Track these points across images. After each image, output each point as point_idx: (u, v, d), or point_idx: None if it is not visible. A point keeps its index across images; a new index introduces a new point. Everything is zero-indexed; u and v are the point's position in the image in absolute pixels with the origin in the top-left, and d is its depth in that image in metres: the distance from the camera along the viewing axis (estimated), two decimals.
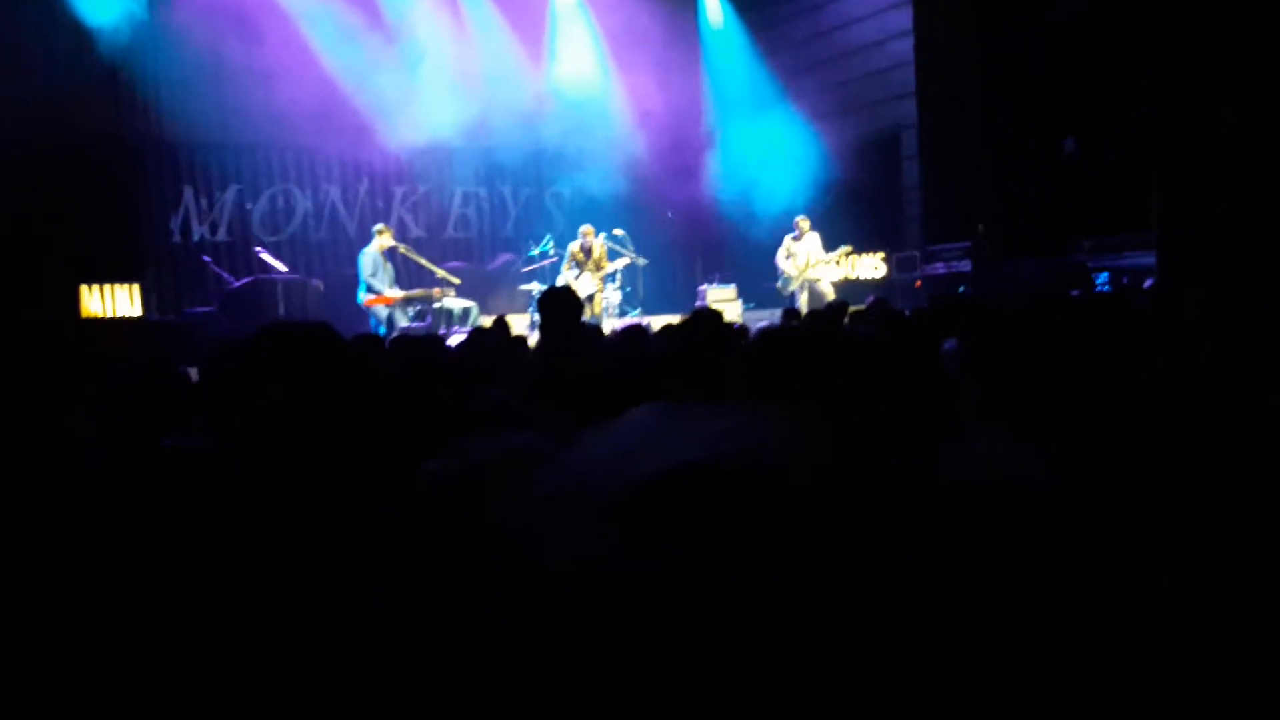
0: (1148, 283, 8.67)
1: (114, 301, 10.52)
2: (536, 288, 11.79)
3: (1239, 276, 7.95)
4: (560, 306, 4.42)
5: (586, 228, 11.57)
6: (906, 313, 5.41)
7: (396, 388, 2.52)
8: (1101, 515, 1.23)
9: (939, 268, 11.85)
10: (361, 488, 1.48)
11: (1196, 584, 1.27)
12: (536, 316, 10.93)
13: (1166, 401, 2.19)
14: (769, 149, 14.12)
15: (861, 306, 6.69)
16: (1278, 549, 1.36)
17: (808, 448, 0.87)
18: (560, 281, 11.34)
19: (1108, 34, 10.57)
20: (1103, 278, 9.91)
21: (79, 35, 11.17)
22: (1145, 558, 1.14)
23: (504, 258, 14.18)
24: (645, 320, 10.87)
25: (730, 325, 5.17)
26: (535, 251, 12.62)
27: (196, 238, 12.58)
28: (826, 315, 6.15)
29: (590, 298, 11.18)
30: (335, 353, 1.79)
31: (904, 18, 12.88)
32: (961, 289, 11.07)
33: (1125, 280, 9.27)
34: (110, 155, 11.65)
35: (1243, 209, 8.61)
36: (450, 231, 14.55)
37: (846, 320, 5.75)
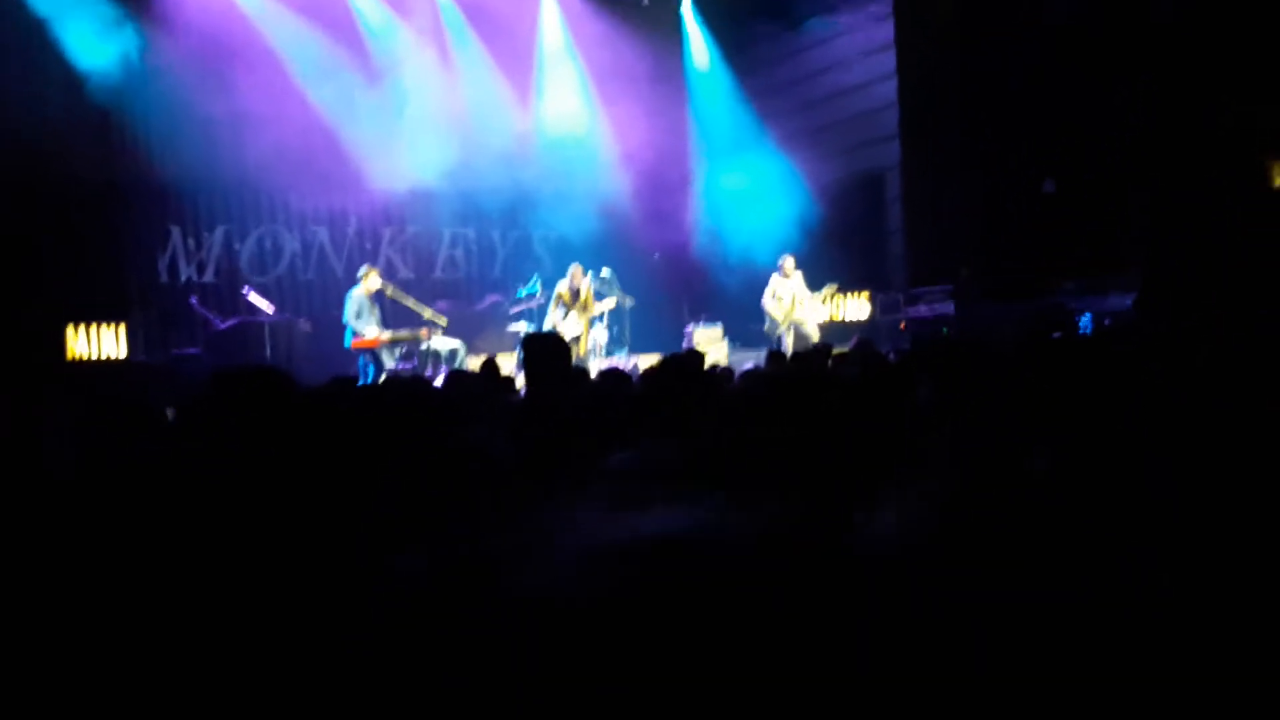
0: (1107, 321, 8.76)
1: (100, 342, 10.50)
2: (524, 328, 11.80)
3: (1221, 287, 8.03)
4: (545, 350, 4.43)
5: (575, 268, 11.61)
6: (891, 355, 5.44)
7: (356, 429, 2.53)
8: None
9: (922, 309, 11.92)
10: (315, 533, 1.49)
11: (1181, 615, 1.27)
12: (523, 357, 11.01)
13: (1150, 435, 2.21)
14: (755, 190, 14.24)
15: (845, 348, 6.72)
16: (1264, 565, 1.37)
17: (747, 529, 0.92)
18: (547, 322, 11.35)
19: (1090, 78, 10.73)
20: (1085, 319, 9.99)
21: (69, 78, 11.22)
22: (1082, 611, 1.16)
23: (491, 298, 14.20)
24: (633, 360, 10.90)
25: (713, 367, 5.19)
26: (523, 292, 12.65)
27: (184, 278, 12.56)
28: (810, 357, 6.18)
29: (576, 339, 11.19)
30: (284, 397, 1.81)
31: (888, 61, 13.06)
32: (945, 330, 11.13)
33: (1107, 322, 9.34)
34: (98, 196, 11.67)
35: (1226, 220, 8.71)
36: (438, 272, 14.59)
37: (830, 362, 5.78)
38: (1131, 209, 10.07)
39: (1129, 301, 9.58)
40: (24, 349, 9.45)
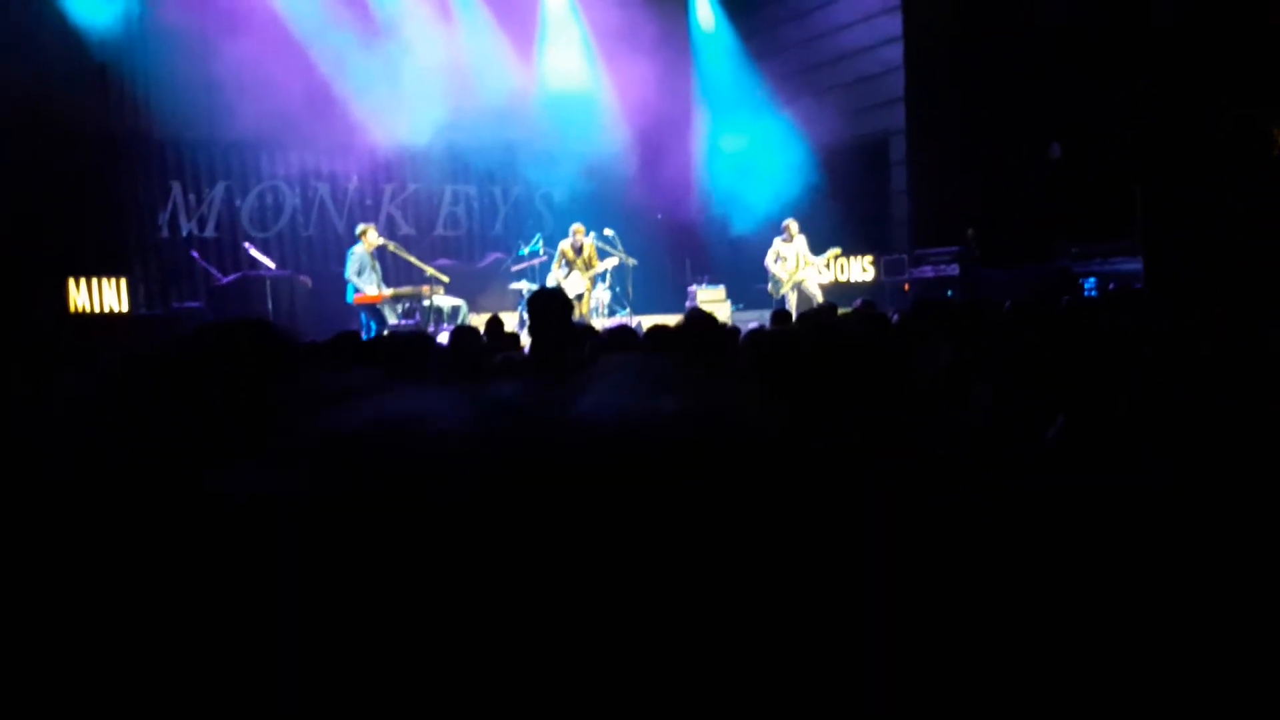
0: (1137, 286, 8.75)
1: (101, 296, 10.49)
2: (526, 286, 11.79)
3: (1224, 281, 8.02)
4: (550, 306, 4.42)
5: (578, 226, 11.60)
6: (894, 317, 5.44)
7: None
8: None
9: (927, 271, 11.90)
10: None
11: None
12: (525, 315, 11.00)
13: (1152, 403, 2.21)
14: (758, 152, 14.17)
15: (849, 309, 6.72)
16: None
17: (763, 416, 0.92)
18: (550, 280, 11.35)
19: (1096, 41, 10.64)
20: (1089, 283, 9.98)
21: (68, 33, 11.15)
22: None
23: (493, 256, 14.18)
24: (634, 320, 10.89)
25: (724, 326, 5.19)
26: (525, 250, 12.61)
27: (185, 233, 12.54)
28: (815, 317, 6.17)
29: (579, 296, 11.19)
30: (272, 350, 1.80)
31: (894, 24, 12.94)
32: (949, 293, 11.12)
33: (1112, 286, 9.34)
34: (99, 151, 11.62)
35: (1228, 214, 8.68)
36: (440, 230, 14.55)
37: (834, 321, 5.77)
38: (1137, 173, 10.02)
39: (1133, 265, 9.57)
40: (26, 301, 9.45)
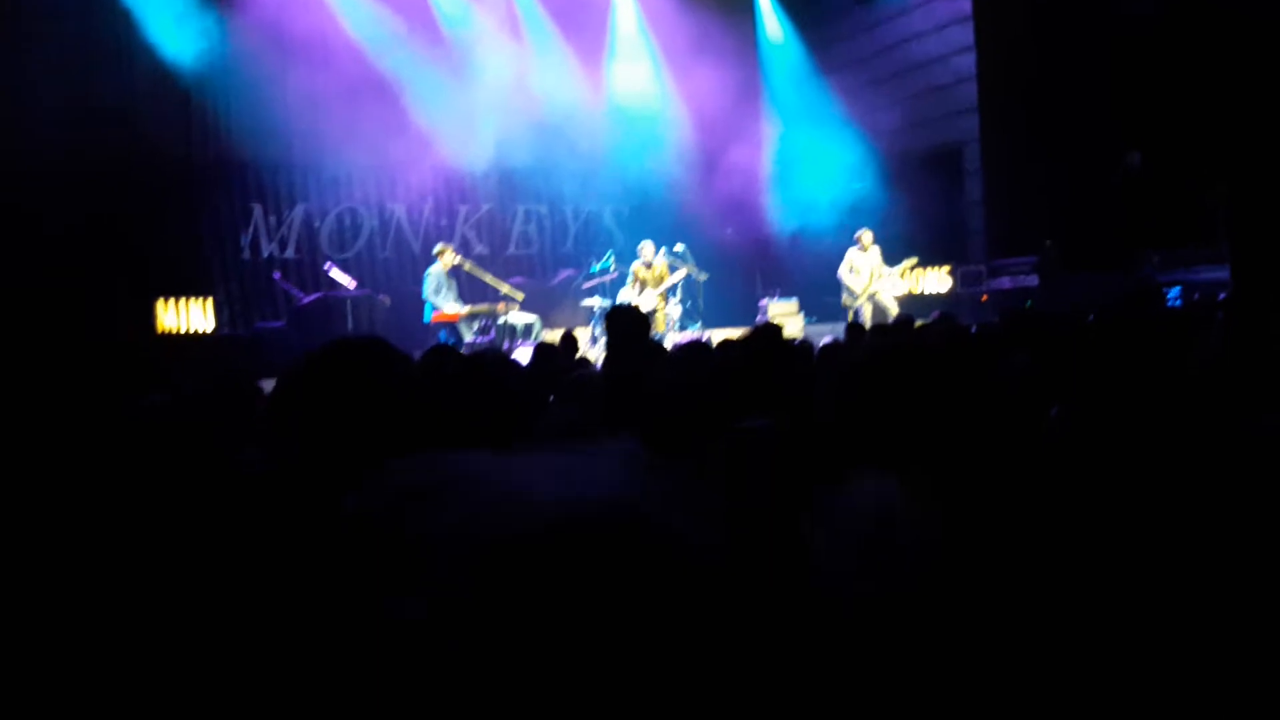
0: (1221, 296, 8.48)
1: (188, 316, 10.80)
2: (598, 303, 11.85)
3: None
4: (626, 324, 4.44)
5: (645, 244, 11.61)
6: (973, 328, 5.35)
7: (455, 404, 2.56)
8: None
9: (1004, 282, 11.70)
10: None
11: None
12: (598, 331, 11.06)
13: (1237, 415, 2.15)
14: (829, 164, 14.08)
15: (926, 321, 6.63)
16: None
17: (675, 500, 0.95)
18: (622, 298, 11.38)
19: (1172, 44, 10.39)
20: (1174, 292, 9.72)
21: (155, 62, 11.53)
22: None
23: (565, 273, 14.29)
24: (705, 334, 10.88)
25: (790, 340, 5.16)
26: (596, 267, 12.69)
27: (266, 254, 12.86)
28: (892, 330, 6.10)
29: (653, 313, 11.21)
30: (389, 368, 1.83)
31: (966, 33, 12.79)
32: (1028, 303, 10.92)
33: (1196, 296, 9.07)
34: (183, 175, 12.01)
35: None
36: (512, 249, 14.71)
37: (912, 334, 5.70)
38: (1219, 179, 9.74)
39: (1219, 274, 9.30)
40: (116, 322, 9.76)
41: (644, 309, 11.10)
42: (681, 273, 11.69)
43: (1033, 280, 11.25)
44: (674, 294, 11.84)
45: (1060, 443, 2.52)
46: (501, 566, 0.91)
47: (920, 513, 1.27)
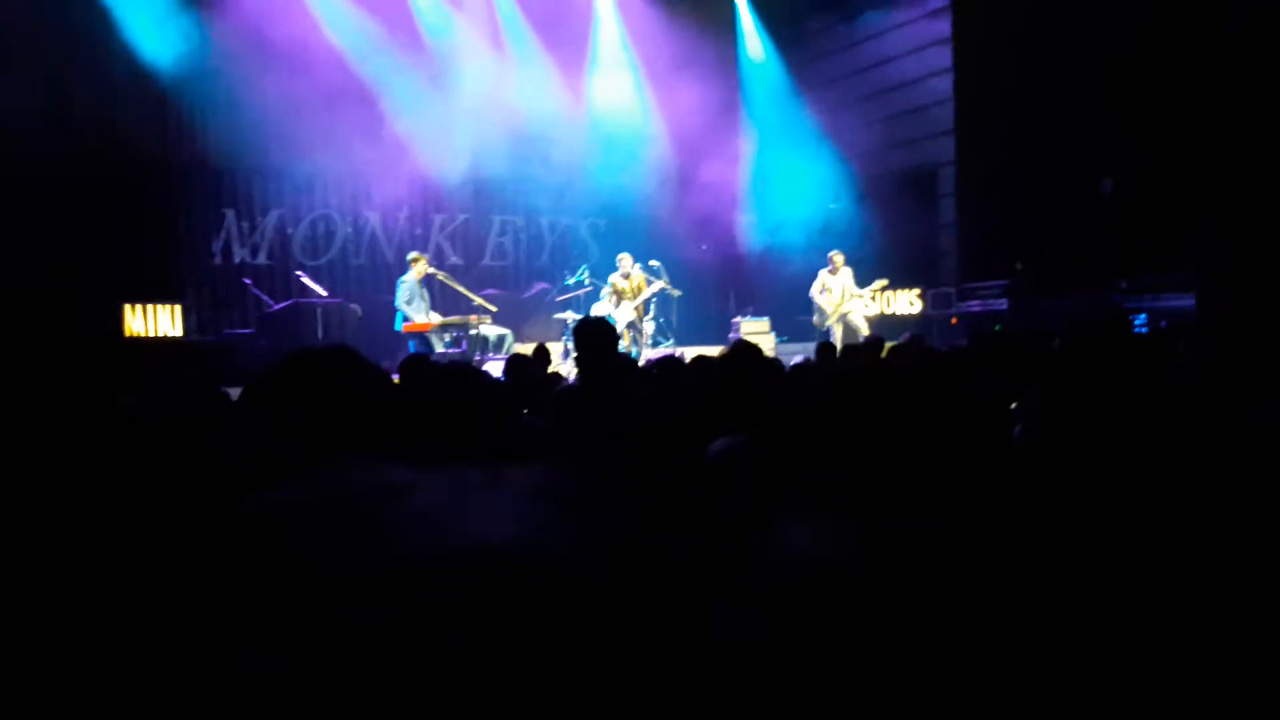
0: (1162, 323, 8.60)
1: (155, 321, 10.69)
2: (571, 316, 11.84)
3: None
4: (596, 337, 4.44)
5: (624, 256, 11.63)
6: (943, 349, 5.39)
7: (426, 413, 2.55)
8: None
9: (975, 305, 11.80)
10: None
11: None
12: (570, 345, 11.05)
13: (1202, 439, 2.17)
14: (805, 183, 14.17)
15: (897, 342, 6.67)
16: None
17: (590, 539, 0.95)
18: (597, 311, 11.38)
19: (1148, 73, 10.55)
20: (1140, 319, 9.83)
21: (131, 64, 11.44)
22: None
23: (539, 286, 14.28)
24: (679, 351, 10.89)
25: (768, 358, 5.17)
26: (570, 281, 12.70)
27: (237, 260, 12.76)
28: (863, 350, 6.14)
29: (631, 325, 11.24)
30: (357, 377, 1.82)
31: (944, 55, 12.93)
32: (997, 327, 11.01)
33: (1164, 323, 9.18)
34: (155, 179, 11.92)
35: None
36: (487, 260, 14.69)
37: (883, 355, 5.74)
38: (1191, 206, 9.87)
39: (1185, 301, 9.41)
40: (84, 326, 9.65)
41: (622, 321, 11.12)
42: (658, 285, 11.70)
43: (1002, 304, 11.35)
44: (648, 310, 11.86)
45: (1028, 460, 2.55)
46: (369, 607, 0.91)
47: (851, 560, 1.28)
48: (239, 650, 0.91)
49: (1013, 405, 3.09)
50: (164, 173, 12.02)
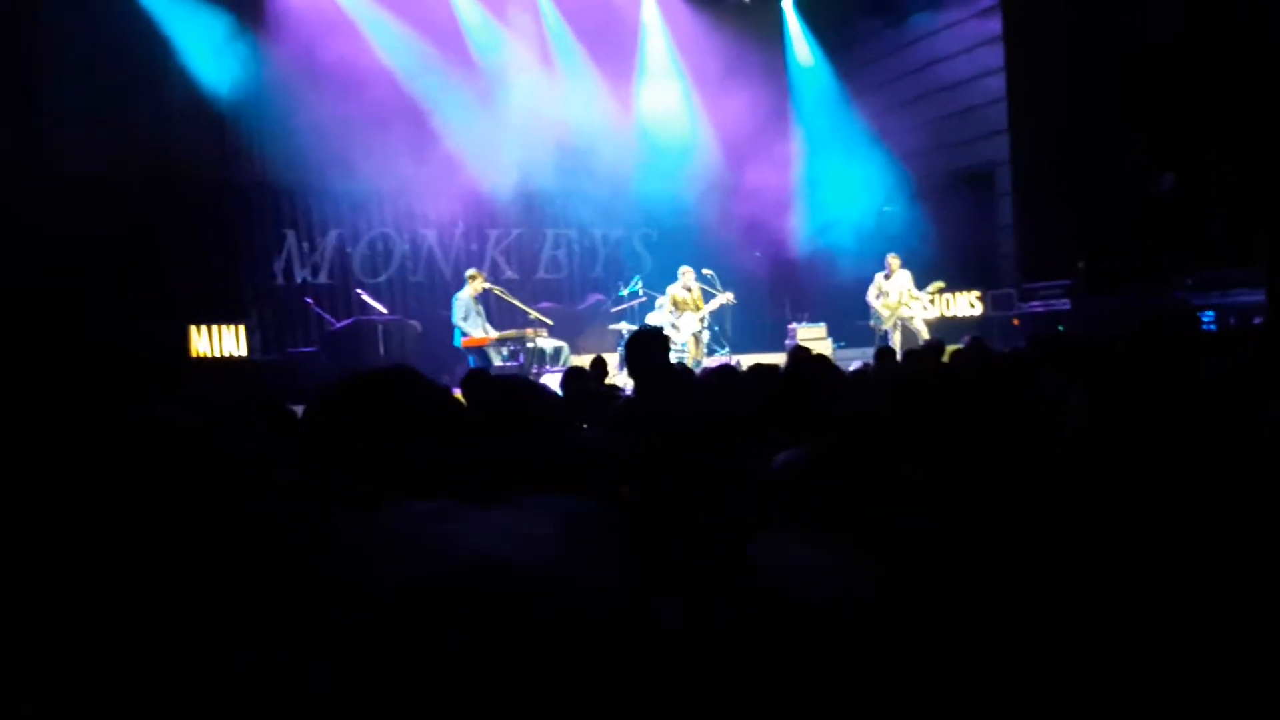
0: (1257, 320, 8.37)
1: (220, 341, 10.92)
2: (626, 327, 11.87)
3: None
4: (648, 346, 4.43)
5: (686, 269, 11.63)
6: (1005, 351, 5.32)
7: (483, 427, 2.57)
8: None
9: (1036, 305, 11.61)
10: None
11: None
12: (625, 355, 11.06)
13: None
14: (858, 187, 14.06)
15: (959, 345, 6.59)
16: None
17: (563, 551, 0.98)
18: (651, 321, 11.36)
19: (1203, 62, 10.32)
20: (1208, 316, 9.60)
21: (191, 89, 11.73)
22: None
23: (593, 298, 14.34)
24: (734, 359, 10.86)
25: (830, 363, 5.14)
26: (624, 292, 12.73)
27: (299, 280, 13.00)
28: (923, 355, 6.08)
29: (696, 335, 11.25)
30: (417, 395, 1.85)
31: (995, 55, 12.76)
32: (1060, 327, 10.83)
33: (1233, 320, 8.95)
34: (218, 201, 12.21)
35: None
36: (541, 273, 14.78)
37: (945, 359, 5.68)
38: (1257, 198, 9.63)
39: (1255, 297, 9.18)
40: (151, 347, 9.87)
41: (686, 333, 11.13)
42: (721, 299, 11.61)
43: (1065, 304, 11.16)
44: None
45: (1086, 453, 2.50)
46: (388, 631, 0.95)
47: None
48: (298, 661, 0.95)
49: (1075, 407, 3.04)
50: (225, 196, 12.30)
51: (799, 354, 3.72)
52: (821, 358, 3.71)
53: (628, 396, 4.61)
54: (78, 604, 1.17)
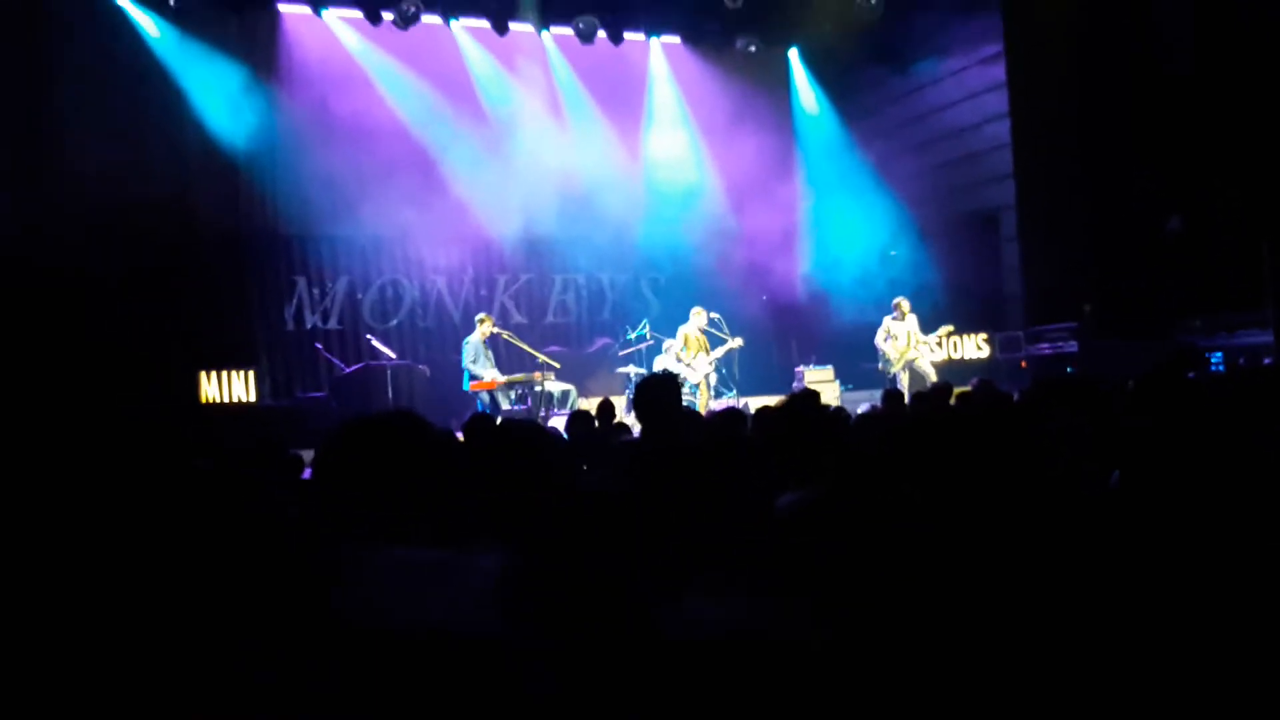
0: (1266, 361, 8.36)
1: (230, 387, 10.95)
2: (634, 370, 11.88)
3: None
4: (659, 390, 4.45)
5: (699, 310, 11.64)
6: (1015, 395, 5.32)
7: (487, 470, 2.58)
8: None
9: (1044, 348, 11.61)
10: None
11: None
12: (632, 398, 11.06)
13: None
14: (865, 232, 14.12)
15: (966, 388, 6.59)
16: None
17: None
18: (675, 365, 11.31)
19: (1210, 105, 10.38)
20: (1216, 357, 9.58)
21: (205, 138, 11.88)
22: None
23: (601, 342, 14.37)
24: (741, 402, 10.86)
25: (827, 407, 5.15)
26: (632, 335, 12.77)
27: (309, 325, 13.07)
28: (931, 397, 6.08)
29: (706, 378, 11.27)
30: (418, 440, 1.87)
31: (1000, 101, 12.87)
32: (1069, 369, 10.81)
33: (1241, 361, 8.94)
34: (230, 248, 12.32)
35: None
36: (550, 317, 14.83)
37: (952, 402, 5.67)
38: (1264, 239, 9.64)
39: (1263, 338, 9.16)
40: (159, 393, 9.92)
41: (699, 375, 11.14)
42: (731, 344, 11.61)
43: (1073, 346, 11.15)
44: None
45: (1113, 506, 2.50)
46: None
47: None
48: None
49: (1084, 449, 3.04)
50: (237, 242, 12.42)
51: (796, 397, 3.74)
52: (811, 393, 3.72)
53: (631, 439, 4.61)
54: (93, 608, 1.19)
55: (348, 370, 11.54)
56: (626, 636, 1.19)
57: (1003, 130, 12.87)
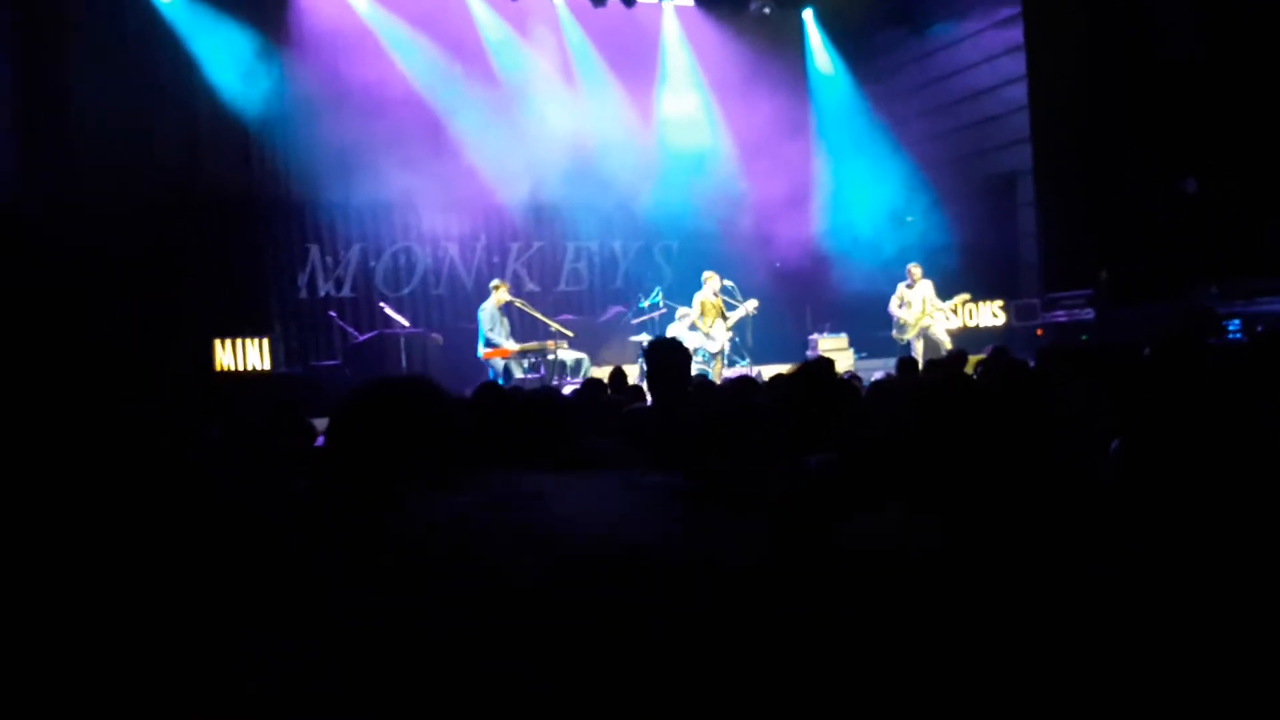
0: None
1: (244, 355, 11.00)
2: (646, 339, 11.85)
3: None
4: (666, 356, 4.42)
5: (711, 274, 11.41)
6: (1030, 363, 5.27)
7: (499, 436, 2.59)
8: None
9: (1060, 315, 11.52)
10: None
11: None
12: (645, 366, 11.03)
13: None
14: (879, 197, 14.01)
15: (981, 355, 6.55)
16: None
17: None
18: (678, 331, 11.25)
19: (1226, 70, 10.23)
20: (1234, 325, 9.49)
21: (217, 105, 11.85)
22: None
23: (614, 310, 14.34)
24: (754, 370, 10.82)
25: (841, 375, 5.12)
26: (644, 303, 12.73)
27: (322, 294, 13.09)
28: (946, 365, 6.04)
29: (722, 349, 11.17)
30: (434, 406, 1.87)
31: (1017, 63, 12.70)
32: (1084, 337, 10.74)
33: (1260, 329, 8.84)
34: (242, 216, 12.33)
35: None
36: (563, 285, 14.81)
37: (968, 369, 5.63)
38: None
39: None
40: (174, 361, 9.96)
41: (718, 342, 11.06)
42: (742, 311, 11.45)
43: (1089, 314, 11.06)
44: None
45: (1120, 475, 2.47)
46: (540, 598, 0.95)
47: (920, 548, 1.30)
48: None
49: (1100, 418, 3.01)
50: (250, 211, 12.43)
51: (808, 364, 3.72)
52: (825, 359, 3.69)
53: (641, 406, 4.60)
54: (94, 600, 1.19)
55: (361, 338, 11.56)
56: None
57: (1019, 93, 12.71)
